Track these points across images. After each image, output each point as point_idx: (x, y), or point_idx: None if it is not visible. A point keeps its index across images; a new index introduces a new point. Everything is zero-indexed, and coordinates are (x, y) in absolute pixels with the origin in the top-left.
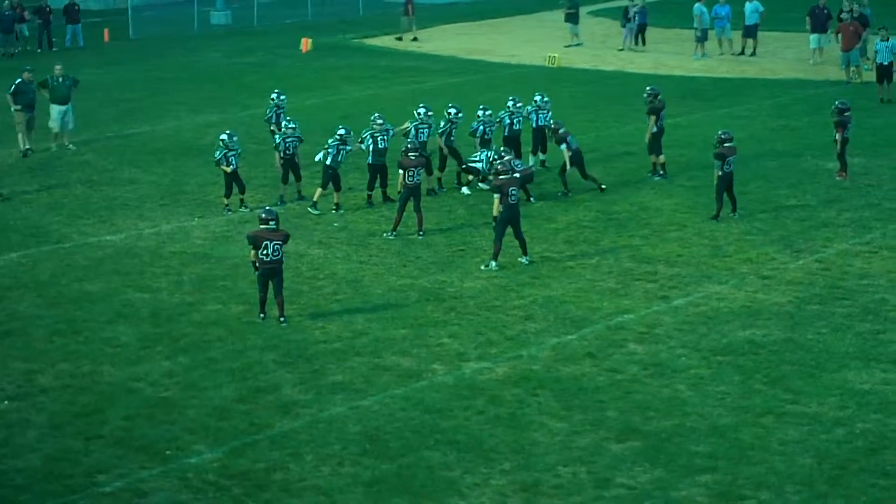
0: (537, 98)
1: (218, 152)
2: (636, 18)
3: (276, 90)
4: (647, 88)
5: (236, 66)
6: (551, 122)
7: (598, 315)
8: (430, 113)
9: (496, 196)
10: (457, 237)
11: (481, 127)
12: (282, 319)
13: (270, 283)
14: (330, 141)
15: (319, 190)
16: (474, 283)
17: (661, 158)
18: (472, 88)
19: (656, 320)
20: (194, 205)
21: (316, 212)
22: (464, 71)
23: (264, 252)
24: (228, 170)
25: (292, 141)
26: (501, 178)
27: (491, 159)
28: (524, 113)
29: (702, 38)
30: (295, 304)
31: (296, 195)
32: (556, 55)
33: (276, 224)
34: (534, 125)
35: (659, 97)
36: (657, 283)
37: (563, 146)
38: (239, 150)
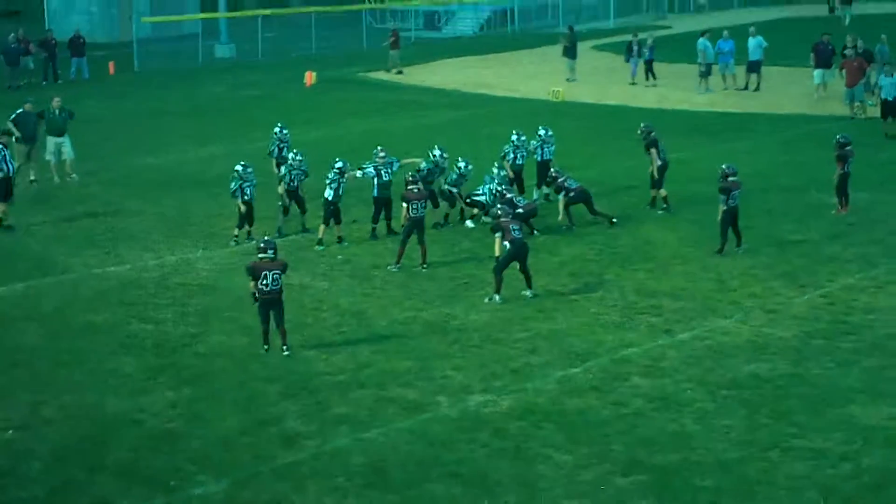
0: (541, 132)
1: (233, 183)
2: (646, 53)
3: (278, 124)
4: (641, 126)
5: (241, 99)
6: (552, 170)
7: (602, 348)
8: (444, 155)
9: (496, 236)
10: (461, 270)
11: (511, 153)
12: (285, 348)
13: (271, 313)
14: (329, 175)
15: (323, 227)
16: (479, 315)
17: (663, 192)
18: (476, 122)
19: (661, 354)
20: (199, 236)
21: (321, 248)
22: (467, 104)
23: (263, 282)
24: (242, 207)
25: (298, 174)
26: (501, 220)
27: (494, 192)
28: (529, 147)
29: (706, 73)
30: (298, 336)
31: (300, 228)
32: (559, 89)
33: (275, 254)
34: (538, 159)
35: (653, 133)
36: (662, 316)
37: (562, 195)
38: (254, 182)
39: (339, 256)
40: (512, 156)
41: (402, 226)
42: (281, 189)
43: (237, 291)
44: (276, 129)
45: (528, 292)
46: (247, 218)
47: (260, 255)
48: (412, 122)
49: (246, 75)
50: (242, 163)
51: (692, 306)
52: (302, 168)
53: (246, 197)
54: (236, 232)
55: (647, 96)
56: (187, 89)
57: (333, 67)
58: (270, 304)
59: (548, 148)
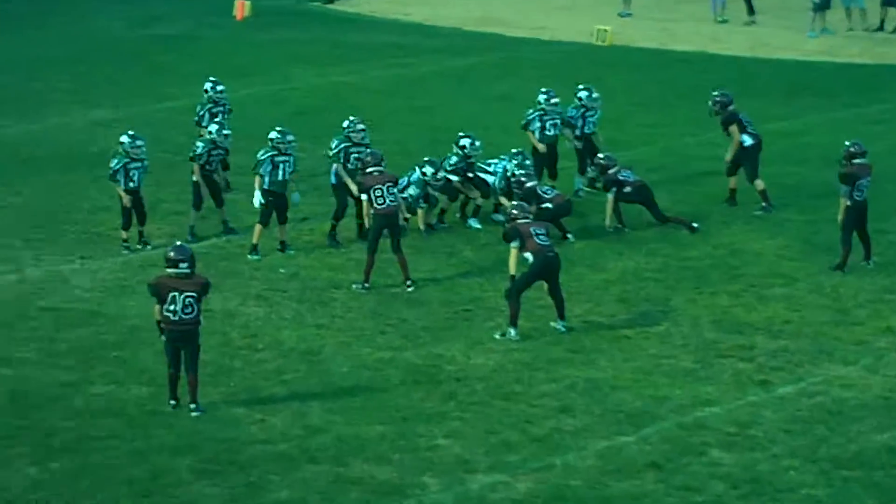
0: (582, 94)
1: (115, 162)
2: None
3: (211, 78)
4: (714, 94)
5: (144, 41)
6: (601, 155)
7: (666, 408)
8: (476, 143)
9: (512, 245)
10: (461, 291)
11: (537, 121)
12: (193, 407)
13: (182, 353)
14: (260, 154)
15: (258, 228)
16: (485, 358)
17: (760, 184)
18: (485, 76)
19: (752, 416)
20: (78, 240)
21: (256, 257)
22: (472, 49)
23: (171, 308)
24: (124, 196)
25: (218, 154)
26: (518, 222)
27: (510, 175)
28: (563, 115)
29: (821, 7)
30: (222, 387)
31: (220, 227)
32: (606, 28)
33: (191, 267)
34: (577, 132)
35: (731, 106)
36: (753, 362)
37: (612, 192)
38: (145, 162)
39: (282, 270)
40: (538, 125)
41: (366, 227)
42: (196, 173)
43: (131, 320)
44: (209, 86)
45: (559, 325)
46: (136, 213)
47: (169, 270)
48: (390, 74)
49: (152, 5)
50: (130, 133)
51: (798, 347)
52: (225, 145)
53: (132, 183)
54: (124, 235)
55: (735, 39)
56: (69, 26)
57: None
58: (181, 339)
59: (591, 118)
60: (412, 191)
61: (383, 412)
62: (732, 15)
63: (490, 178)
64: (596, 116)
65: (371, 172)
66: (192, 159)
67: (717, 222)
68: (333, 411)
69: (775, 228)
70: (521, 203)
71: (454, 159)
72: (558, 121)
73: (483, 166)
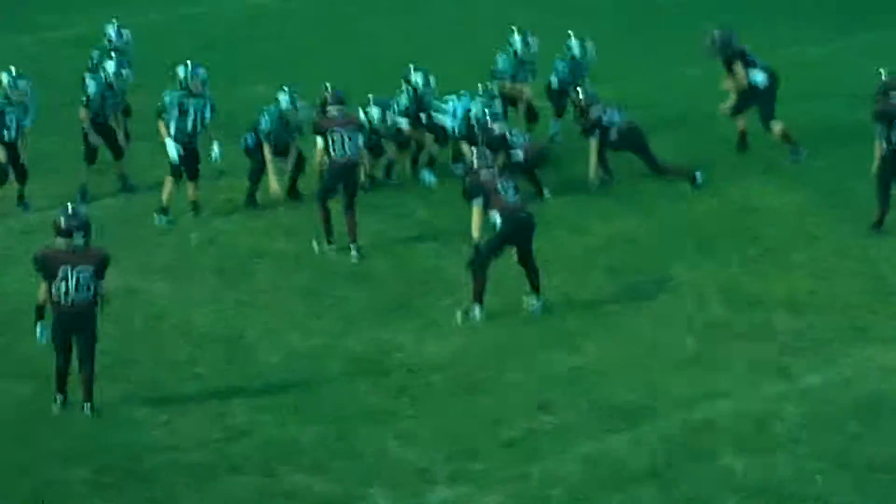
0: (574, 45)
1: None
2: None
3: (114, 20)
4: (712, 33)
5: None
6: (580, 91)
7: (665, 402)
8: (430, 79)
9: (474, 204)
10: (413, 262)
11: (506, 66)
12: (86, 407)
13: (74, 340)
14: (165, 95)
15: (169, 183)
16: (444, 344)
17: (777, 127)
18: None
19: (771, 410)
20: None
21: (164, 219)
22: None
23: (62, 287)
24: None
25: (113, 98)
26: (481, 175)
27: (471, 117)
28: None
29: None
30: (121, 382)
31: (118, 184)
32: None
33: (86, 236)
34: (555, 85)
35: (734, 39)
36: (772, 343)
37: (594, 136)
38: (30, 108)
39: (194, 236)
40: (509, 70)
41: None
42: (85, 121)
43: (12, 300)
44: (111, 31)
45: (533, 301)
46: (13, 169)
47: (59, 240)
48: None
49: None
50: (12, 70)
51: (825, 324)
52: (123, 87)
53: (7, 133)
54: None
55: None
56: None
57: None
58: (73, 324)
59: (578, 71)
60: None
61: (321, 410)
62: None
63: (448, 122)
64: (586, 73)
65: (330, 113)
66: (84, 105)
67: (726, 173)
68: (259, 410)
69: (796, 180)
70: (483, 150)
71: (403, 100)
72: (532, 68)
73: (439, 107)
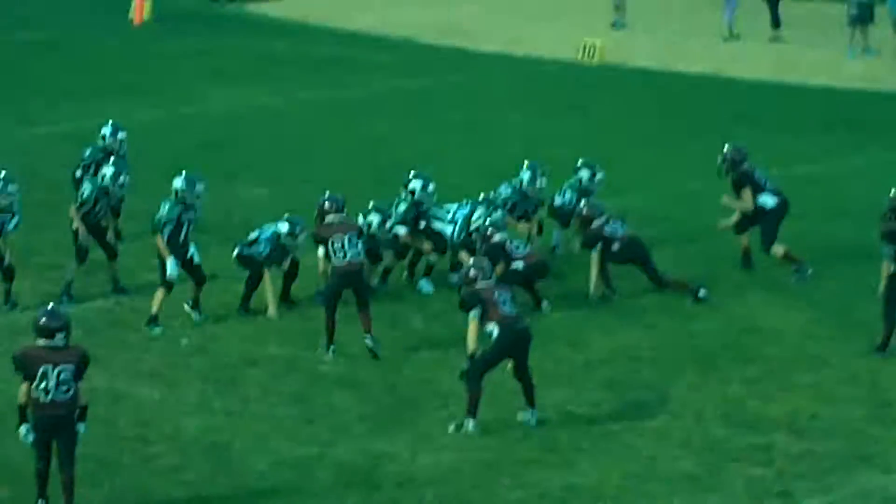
0: (583, 174)
1: None
2: None
3: (111, 122)
4: (726, 149)
5: (13, 46)
6: (583, 201)
7: None
8: (429, 186)
9: (471, 316)
10: (406, 372)
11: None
12: None
13: (55, 444)
14: (165, 208)
15: (160, 294)
16: (436, 457)
17: (779, 249)
18: (443, 100)
19: None
20: None
21: (158, 329)
22: (428, 67)
23: (42, 386)
24: None
25: (108, 202)
26: (478, 285)
27: (471, 225)
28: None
29: (860, 19)
30: (104, 488)
31: (108, 285)
32: (596, 42)
33: (67, 335)
34: (558, 204)
35: (745, 164)
36: (772, 467)
37: (597, 250)
38: (16, 204)
39: (185, 341)
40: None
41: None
42: (75, 219)
43: None
44: (106, 131)
45: (528, 415)
46: (1, 271)
47: (40, 339)
48: (326, 95)
49: (23, 5)
50: (5, 177)
51: (827, 449)
52: (119, 195)
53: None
54: None
55: (756, 59)
56: None
57: None
58: (54, 427)
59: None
60: None
61: None
62: (753, 28)
63: (447, 229)
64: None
65: (330, 222)
66: (77, 206)
67: (730, 289)
68: None
69: (801, 299)
70: (481, 260)
71: (402, 206)
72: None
73: (438, 215)
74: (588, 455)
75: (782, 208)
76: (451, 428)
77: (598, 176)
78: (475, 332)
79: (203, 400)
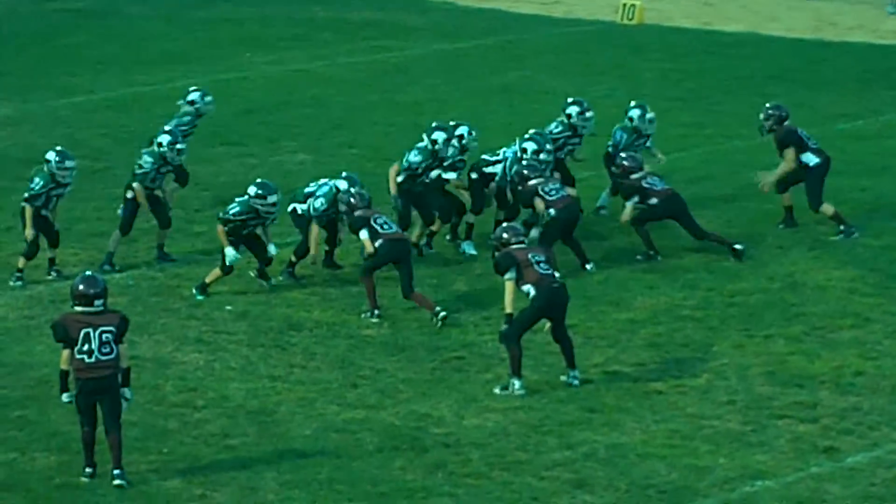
0: (634, 112)
1: (37, 182)
2: None
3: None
4: (767, 107)
5: (51, 17)
6: (623, 155)
7: (708, 481)
8: (472, 133)
9: (507, 278)
10: (451, 335)
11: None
12: (116, 474)
13: (98, 407)
14: (236, 206)
15: (217, 274)
16: (482, 419)
17: (829, 209)
18: (481, 63)
19: (815, 492)
20: None
21: (203, 297)
22: (466, 30)
23: (85, 348)
24: (29, 221)
25: (166, 171)
26: (513, 247)
27: (521, 157)
28: (590, 130)
29: None
30: (153, 455)
31: (152, 252)
32: (635, 3)
33: (104, 300)
34: (612, 152)
35: (787, 121)
36: (817, 423)
37: (633, 201)
38: (69, 181)
39: (229, 308)
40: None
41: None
42: (139, 196)
43: (38, 370)
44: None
45: (570, 376)
46: (45, 235)
47: (77, 305)
48: (365, 60)
49: None
50: (59, 150)
51: (873, 405)
52: (176, 162)
53: (45, 210)
54: (21, 262)
55: (795, 17)
56: None
57: None
58: (96, 389)
59: (641, 146)
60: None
61: (355, 486)
62: None
63: (494, 170)
64: (649, 143)
65: (359, 213)
66: (139, 180)
67: (773, 247)
68: (292, 485)
69: (845, 256)
70: (513, 225)
71: (416, 155)
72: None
73: (486, 159)
74: (633, 414)
75: (825, 166)
76: (498, 389)
77: (649, 115)
78: (512, 293)
79: (248, 365)
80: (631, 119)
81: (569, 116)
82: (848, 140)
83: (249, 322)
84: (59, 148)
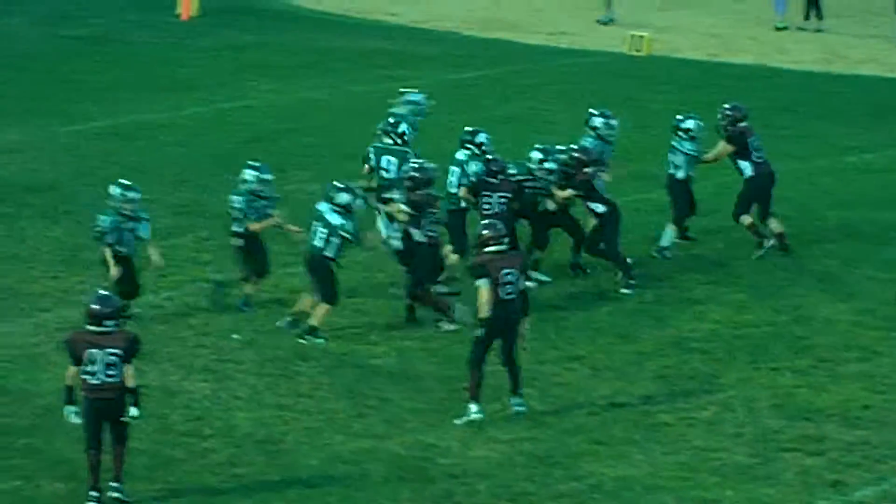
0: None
1: (104, 220)
2: None
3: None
4: (725, 106)
5: (59, 44)
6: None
7: None
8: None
9: (480, 285)
10: (459, 363)
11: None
12: (114, 487)
13: (104, 427)
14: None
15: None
16: (489, 450)
17: (775, 225)
18: (488, 92)
19: None
20: None
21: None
22: (474, 61)
23: (90, 368)
24: (112, 267)
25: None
26: (487, 253)
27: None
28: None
29: None
30: (159, 483)
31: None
32: (643, 34)
33: (115, 320)
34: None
35: (744, 122)
36: (825, 456)
37: (572, 192)
38: (143, 222)
39: (236, 336)
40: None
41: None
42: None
43: (45, 398)
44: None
45: (515, 402)
46: (127, 286)
47: (89, 324)
48: (372, 89)
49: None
50: (123, 183)
51: (881, 439)
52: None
53: (123, 249)
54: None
55: (804, 49)
56: None
57: None
58: (101, 410)
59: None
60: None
61: None
62: (798, 18)
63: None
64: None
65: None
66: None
67: (780, 280)
68: None
69: (852, 289)
70: (495, 223)
71: (474, 165)
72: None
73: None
74: (640, 447)
75: (762, 180)
76: (459, 419)
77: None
78: (485, 297)
79: (255, 394)
80: (594, 128)
81: (595, 129)
82: (857, 173)
83: (256, 351)
84: (120, 180)
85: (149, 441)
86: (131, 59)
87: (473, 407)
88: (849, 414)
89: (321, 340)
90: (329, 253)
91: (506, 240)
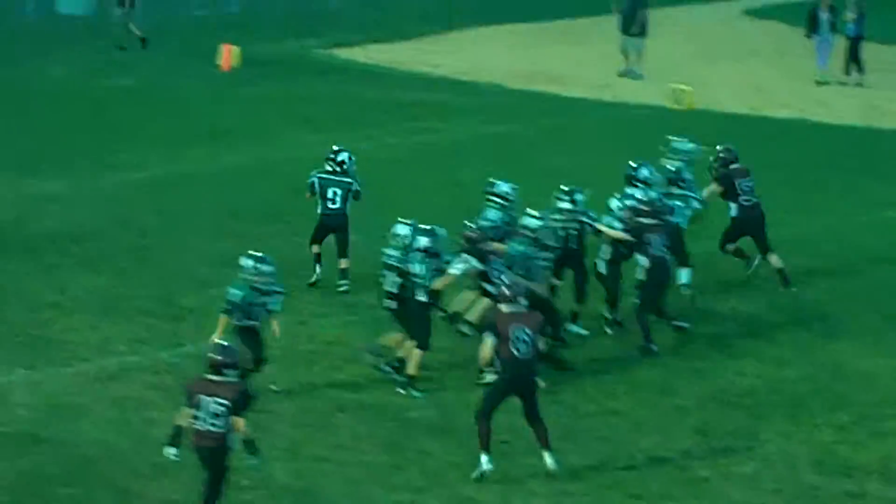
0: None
1: (235, 294)
2: (847, 26)
3: (255, 253)
4: (718, 149)
5: (101, 92)
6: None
7: None
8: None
9: (486, 338)
10: (497, 417)
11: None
12: None
13: (206, 473)
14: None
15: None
16: (527, 503)
17: (775, 261)
18: (531, 145)
19: None
20: (16, 345)
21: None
22: (515, 112)
23: (197, 416)
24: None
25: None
26: (501, 311)
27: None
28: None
29: None
30: None
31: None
32: (685, 88)
33: (233, 370)
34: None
35: (734, 164)
36: None
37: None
38: (276, 297)
39: (274, 387)
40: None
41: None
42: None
43: (84, 448)
44: (343, 156)
45: (547, 457)
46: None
47: (209, 373)
48: (412, 141)
49: (112, 49)
50: (255, 255)
51: None
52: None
53: (249, 321)
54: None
55: (844, 104)
56: (3, 70)
57: (271, 38)
58: (202, 457)
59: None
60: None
61: None
62: (834, 72)
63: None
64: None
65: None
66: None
67: (819, 334)
68: None
69: (892, 343)
70: (517, 282)
71: (493, 213)
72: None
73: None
74: (678, 501)
75: (749, 222)
76: (475, 474)
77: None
78: (486, 352)
79: (292, 445)
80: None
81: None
82: (889, 228)
83: (295, 402)
84: (252, 252)
85: (184, 491)
86: (173, 109)
87: (484, 458)
88: (889, 470)
89: (419, 395)
90: (421, 297)
91: (522, 300)
